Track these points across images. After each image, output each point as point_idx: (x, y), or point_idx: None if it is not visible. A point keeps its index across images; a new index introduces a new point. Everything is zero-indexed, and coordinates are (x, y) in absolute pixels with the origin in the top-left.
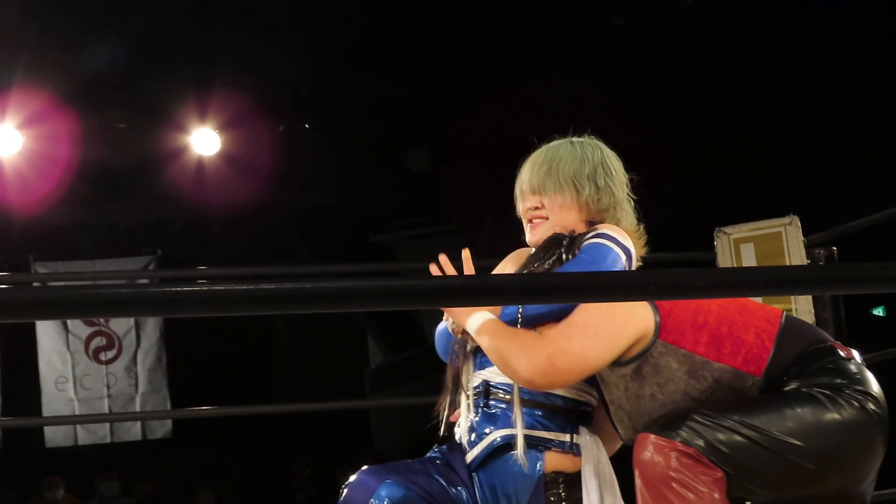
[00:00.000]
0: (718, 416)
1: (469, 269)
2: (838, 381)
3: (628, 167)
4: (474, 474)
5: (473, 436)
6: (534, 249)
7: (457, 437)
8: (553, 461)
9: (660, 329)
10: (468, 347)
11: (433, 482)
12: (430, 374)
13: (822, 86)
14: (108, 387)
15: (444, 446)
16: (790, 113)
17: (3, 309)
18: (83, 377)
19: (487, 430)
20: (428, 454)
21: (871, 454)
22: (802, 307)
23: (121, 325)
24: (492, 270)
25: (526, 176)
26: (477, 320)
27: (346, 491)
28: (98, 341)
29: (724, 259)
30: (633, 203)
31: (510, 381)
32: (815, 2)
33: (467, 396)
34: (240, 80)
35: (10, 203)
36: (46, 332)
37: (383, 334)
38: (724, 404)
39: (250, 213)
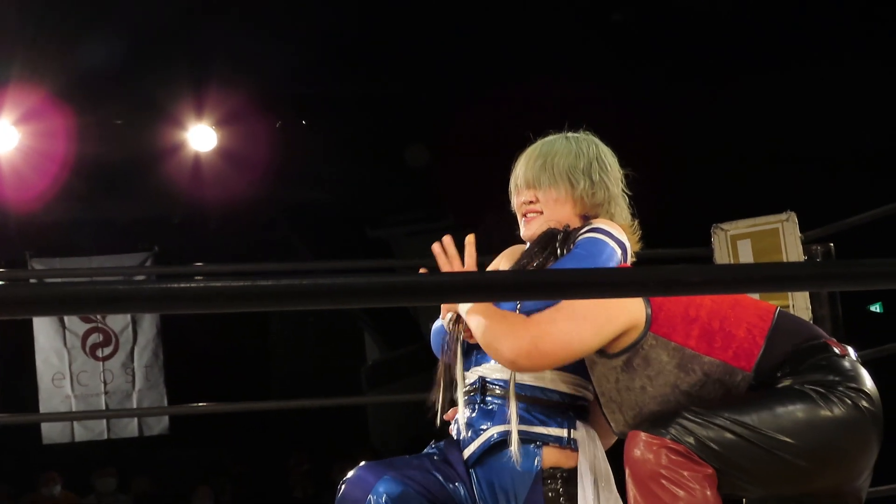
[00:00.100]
0: (709, 414)
1: (472, 254)
2: (831, 378)
3: (626, 163)
4: (472, 470)
5: (470, 432)
6: (528, 245)
7: (453, 434)
8: (550, 457)
9: (651, 321)
10: (459, 342)
11: (431, 478)
12: (426, 370)
13: (819, 82)
14: (105, 383)
15: (441, 442)
16: (787, 109)
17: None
18: (80, 374)
19: (484, 427)
20: (425, 450)
21: (864, 451)
22: (799, 304)
23: (118, 322)
24: (487, 267)
25: (521, 170)
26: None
27: (343, 487)
28: (95, 338)
29: (721, 255)
30: (627, 198)
31: (506, 378)
32: None
33: (465, 393)
34: (237, 76)
35: (7, 199)
36: (43, 329)
37: (380, 331)
38: (715, 401)
39: (247, 210)
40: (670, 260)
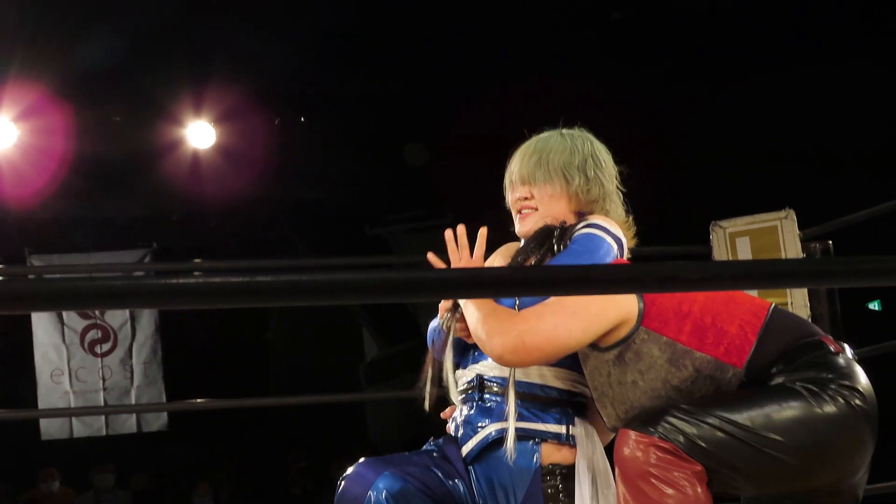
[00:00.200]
0: (699, 411)
1: (481, 245)
2: (824, 375)
3: (625, 161)
4: (470, 467)
5: (469, 429)
6: (523, 242)
7: (451, 431)
8: (549, 453)
9: (643, 316)
10: (452, 335)
11: (430, 474)
12: None
13: (818, 80)
14: (104, 379)
15: (440, 439)
16: (786, 108)
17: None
18: (79, 370)
19: (482, 424)
20: (424, 447)
21: (858, 449)
22: (798, 301)
23: (116, 318)
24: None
25: (516, 167)
26: None
27: (343, 483)
28: (93, 334)
29: (720, 253)
30: (622, 195)
31: (504, 375)
32: None
33: (462, 391)
34: (236, 73)
35: (6, 196)
36: (42, 325)
37: (379, 327)
38: (706, 397)
39: (246, 207)
40: (669, 257)
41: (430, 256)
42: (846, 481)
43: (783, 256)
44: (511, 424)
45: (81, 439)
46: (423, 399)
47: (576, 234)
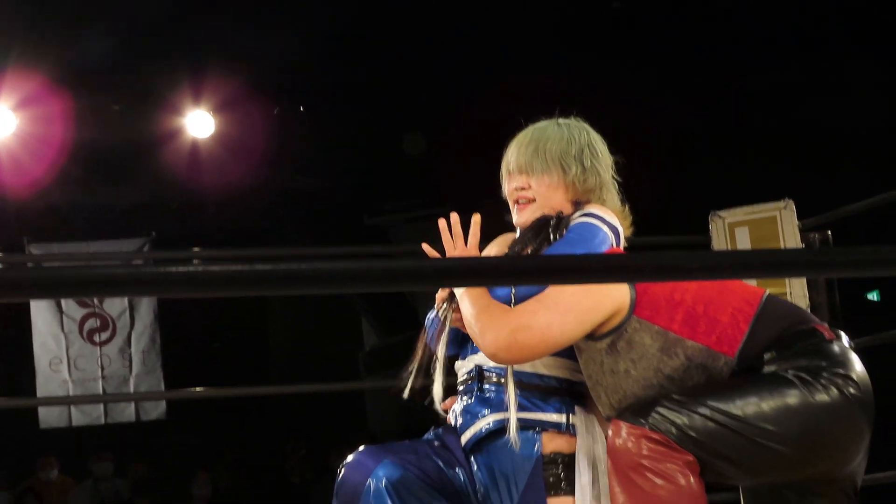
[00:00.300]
0: (690, 402)
1: (475, 233)
2: (817, 363)
3: (624, 151)
4: (471, 456)
5: (468, 419)
6: (519, 232)
7: (451, 421)
8: (550, 442)
9: (635, 305)
10: (447, 324)
11: (430, 462)
12: None
13: (819, 70)
14: (103, 368)
15: (440, 428)
16: (786, 97)
17: None
18: (77, 358)
19: (482, 414)
20: (424, 436)
21: (852, 438)
22: (797, 291)
23: (115, 307)
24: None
25: (512, 156)
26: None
27: (343, 471)
28: (92, 323)
29: (719, 243)
30: (617, 185)
31: (503, 365)
32: None
33: (462, 382)
34: (235, 62)
35: (5, 184)
36: (41, 314)
37: (377, 317)
38: (698, 386)
39: (245, 196)
40: (668, 247)
41: (425, 247)
42: (842, 469)
43: (782, 246)
44: (512, 415)
45: (80, 428)
46: (405, 388)
47: (572, 223)
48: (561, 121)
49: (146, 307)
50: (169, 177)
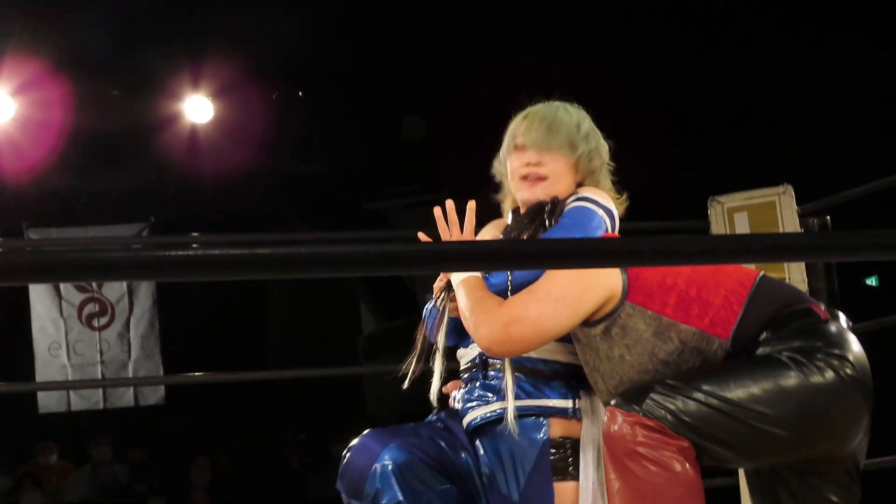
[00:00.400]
0: (684, 386)
1: (471, 220)
2: (812, 344)
3: (623, 136)
4: (477, 441)
5: (474, 404)
6: (512, 217)
7: (453, 405)
8: (557, 427)
9: (627, 290)
10: (445, 313)
11: (434, 445)
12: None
13: (818, 54)
14: (101, 353)
15: (443, 412)
16: (785, 82)
17: None
18: (76, 343)
19: (487, 399)
20: (428, 419)
21: (850, 418)
22: (796, 276)
23: (114, 292)
24: None
25: (523, 130)
26: (461, 274)
27: (348, 454)
28: (91, 307)
29: (718, 228)
30: (611, 169)
31: (499, 358)
32: None
33: (466, 370)
34: (233, 47)
35: (4, 170)
36: (40, 299)
37: (376, 301)
38: (692, 370)
39: (243, 181)
40: (667, 232)
41: (421, 235)
42: (842, 449)
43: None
44: (510, 403)
45: (79, 412)
46: (406, 377)
47: (567, 207)
48: (561, 103)
49: (145, 292)
50: (168, 162)
